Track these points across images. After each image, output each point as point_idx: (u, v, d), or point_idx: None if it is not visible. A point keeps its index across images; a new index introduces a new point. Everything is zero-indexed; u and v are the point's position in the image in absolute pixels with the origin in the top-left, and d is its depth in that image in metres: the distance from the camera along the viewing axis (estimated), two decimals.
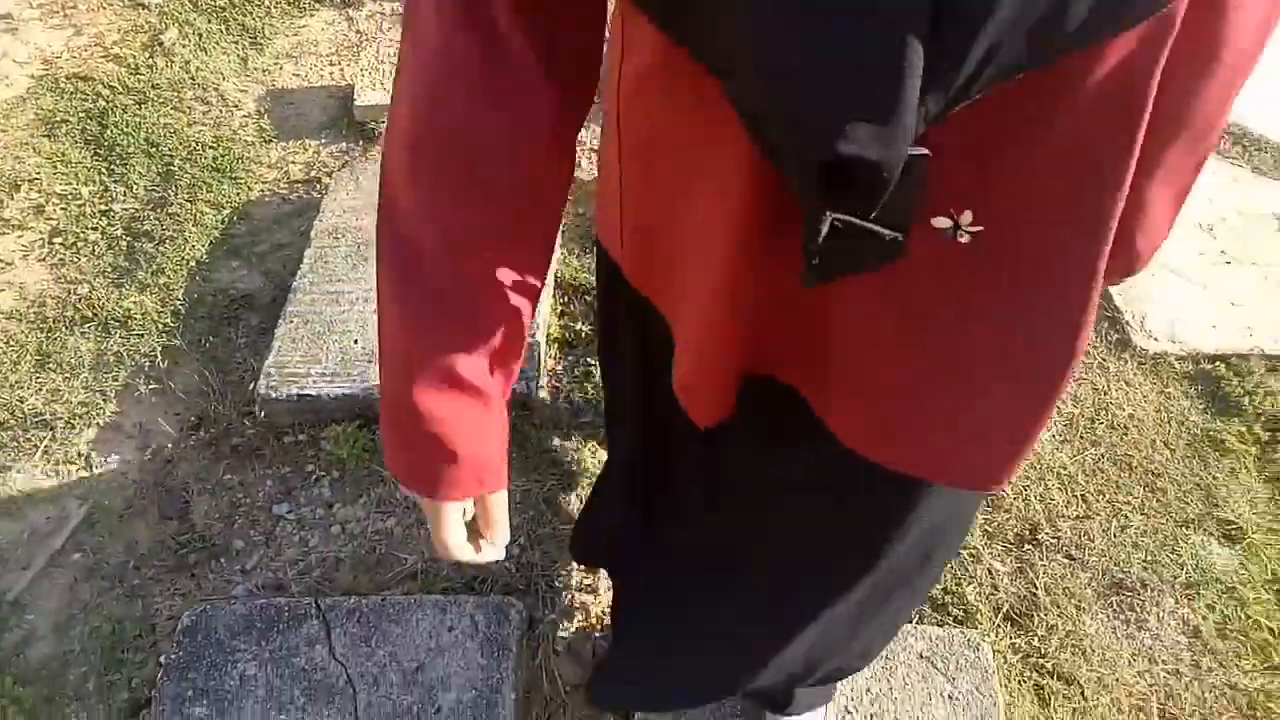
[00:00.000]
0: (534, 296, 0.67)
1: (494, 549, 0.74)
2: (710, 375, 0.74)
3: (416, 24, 0.59)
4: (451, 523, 0.70)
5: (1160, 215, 0.70)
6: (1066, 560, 1.59)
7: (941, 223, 0.58)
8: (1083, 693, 1.44)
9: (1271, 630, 1.52)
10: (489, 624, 1.40)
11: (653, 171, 0.68)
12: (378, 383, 0.68)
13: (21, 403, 1.82)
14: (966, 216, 0.57)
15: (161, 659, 1.39)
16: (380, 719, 1.31)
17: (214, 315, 1.98)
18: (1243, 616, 1.53)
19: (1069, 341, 0.64)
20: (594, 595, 1.53)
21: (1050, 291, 0.62)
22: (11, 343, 1.92)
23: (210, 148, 2.32)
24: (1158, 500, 1.68)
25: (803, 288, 0.58)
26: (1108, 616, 1.53)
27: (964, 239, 0.58)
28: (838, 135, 0.45)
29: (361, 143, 2.33)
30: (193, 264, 2.07)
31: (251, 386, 1.78)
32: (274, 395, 1.73)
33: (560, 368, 1.86)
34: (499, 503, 0.71)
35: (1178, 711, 1.42)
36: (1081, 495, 1.67)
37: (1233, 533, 1.63)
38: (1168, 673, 1.47)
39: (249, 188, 2.25)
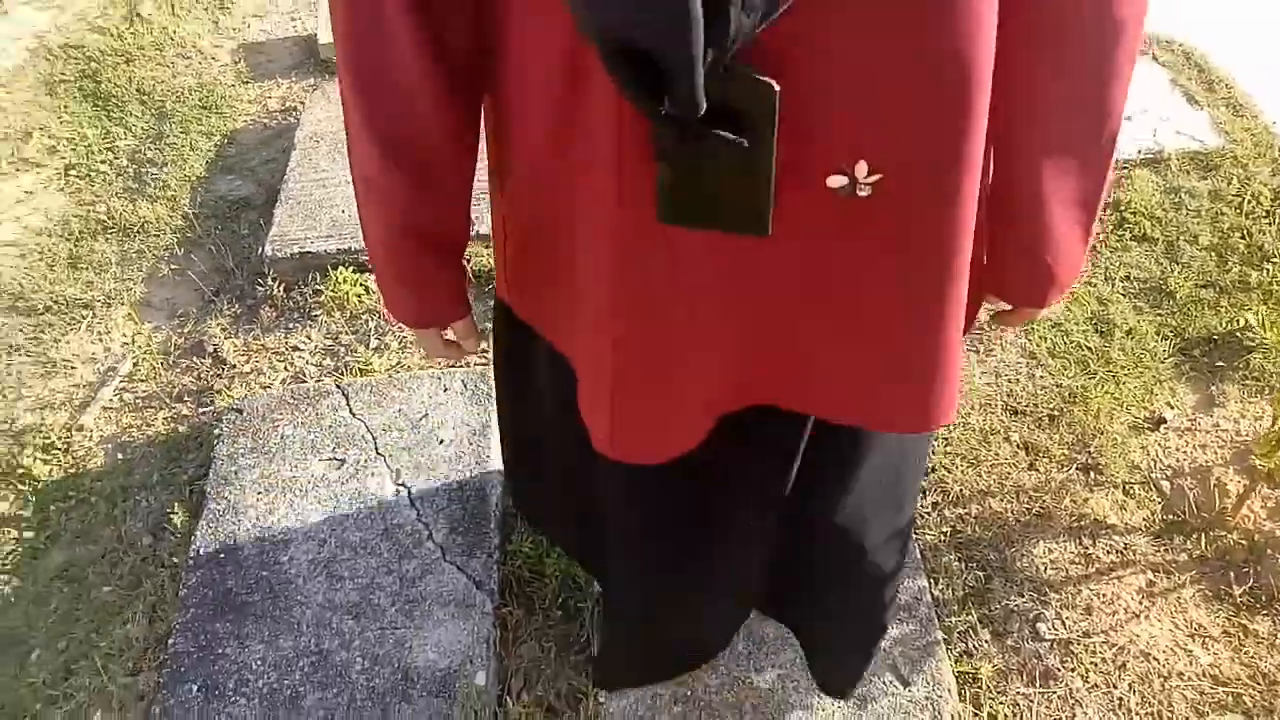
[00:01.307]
0: (470, 173, 0.81)
1: (470, 346, 0.99)
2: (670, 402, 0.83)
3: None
4: (437, 340, 0.96)
5: (1062, 223, 0.71)
6: None
7: (837, 181, 0.60)
8: None
9: (1089, 349, 1.94)
10: (475, 385, 1.78)
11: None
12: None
13: (62, 293, 2.16)
14: (861, 168, 0.59)
15: (215, 431, 1.74)
16: (395, 451, 1.67)
17: (219, 215, 2.33)
18: (1067, 342, 1.95)
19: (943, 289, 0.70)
20: None
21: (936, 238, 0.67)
22: (46, 252, 2.25)
23: (195, 92, 2.68)
24: None
25: (658, 221, 0.64)
26: (964, 348, 1.94)
27: (864, 192, 0.60)
28: (619, 20, 0.50)
29: (328, 75, 2.70)
30: (194, 180, 2.42)
31: (260, 251, 2.13)
32: (280, 255, 2.09)
33: None
34: (469, 323, 0.96)
35: (1016, 404, 1.83)
36: None
37: None
38: (1009, 380, 1.88)
39: (234, 120, 2.60)
